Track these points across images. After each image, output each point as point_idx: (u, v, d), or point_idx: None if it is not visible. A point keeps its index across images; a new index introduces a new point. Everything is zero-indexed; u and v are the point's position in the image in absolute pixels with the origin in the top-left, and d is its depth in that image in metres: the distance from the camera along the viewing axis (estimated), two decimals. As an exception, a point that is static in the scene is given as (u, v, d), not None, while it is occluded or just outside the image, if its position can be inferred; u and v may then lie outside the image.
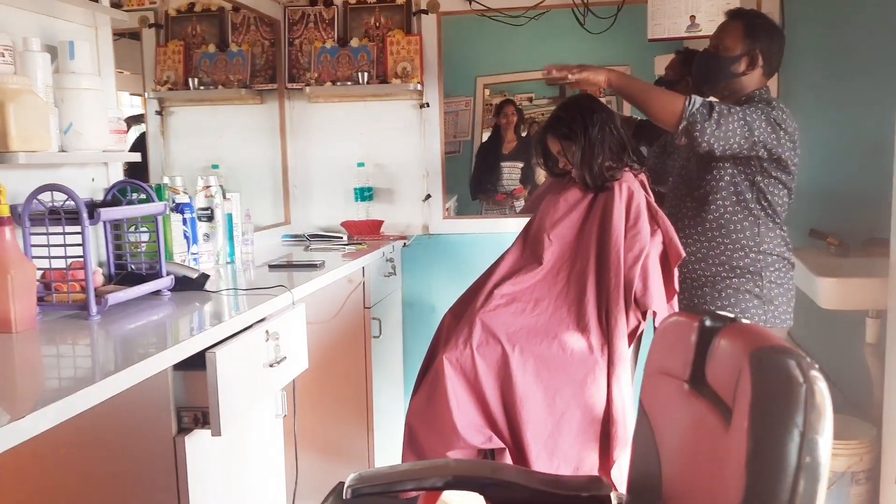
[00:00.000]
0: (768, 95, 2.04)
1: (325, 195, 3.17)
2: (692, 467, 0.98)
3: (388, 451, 2.72)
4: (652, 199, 1.94)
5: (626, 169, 1.95)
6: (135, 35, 2.83)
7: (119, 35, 2.38)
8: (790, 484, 0.74)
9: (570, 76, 1.96)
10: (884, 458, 2.23)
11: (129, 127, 1.92)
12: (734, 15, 2.07)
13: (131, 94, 2.80)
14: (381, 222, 3.08)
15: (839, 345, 2.61)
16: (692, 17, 2.55)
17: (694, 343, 1.00)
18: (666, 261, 1.91)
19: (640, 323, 1.86)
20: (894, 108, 2.15)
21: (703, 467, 0.93)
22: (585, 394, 1.78)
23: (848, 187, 2.66)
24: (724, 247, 2.03)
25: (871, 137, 2.60)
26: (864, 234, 2.59)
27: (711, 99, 1.97)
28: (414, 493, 1.66)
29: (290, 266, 2.31)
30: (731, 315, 0.99)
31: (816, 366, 0.80)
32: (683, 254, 1.91)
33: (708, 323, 0.99)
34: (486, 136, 4.60)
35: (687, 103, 1.89)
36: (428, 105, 3.06)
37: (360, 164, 3.10)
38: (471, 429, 1.80)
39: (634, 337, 1.87)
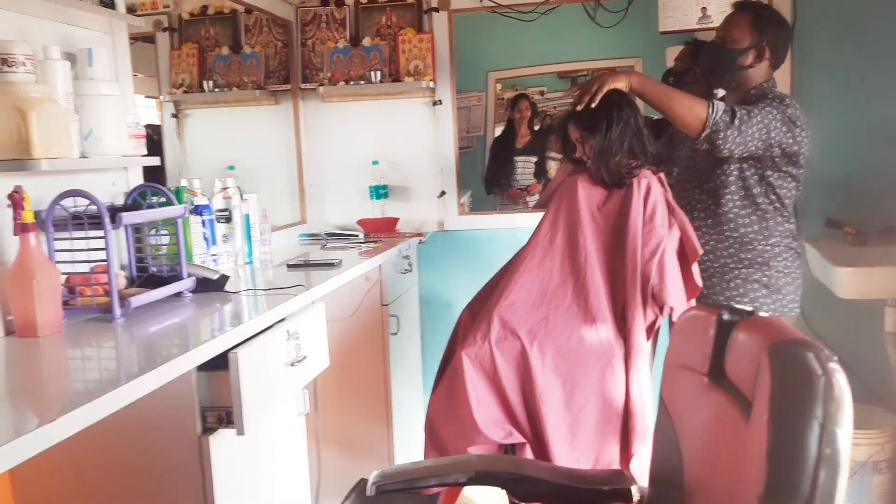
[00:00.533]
0: (776, 88, 2.04)
1: (341, 194, 3.19)
2: (713, 460, 0.99)
3: (408, 447, 2.74)
4: (670, 196, 1.94)
5: (645, 167, 1.94)
6: (149, 38, 2.86)
7: (133, 38, 2.42)
8: (811, 475, 0.75)
9: (595, 96, 1.91)
10: (905, 447, 2.22)
11: (148, 135, 1.94)
12: (742, 6, 2.05)
13: (146, 97, 2.83)
14: (396, 220, 3.10)
15: (858, 334, 2.60)
16: (703, 9, 2.55)
17: (712, 337, 1.01)
18: (683, 257, 1.91)
19: (657, 317, 1.86)
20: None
21: (724, 460, 0.94)
22: (604, 387, 1.79)
23: (864, 176, 2.64)
24: (733, 240, 2.05)
25: (887, 126, 2.58)
26: (881, 223, 2.57)
27: (716, 99, 1.96)
28: (436, 490, 1.67)
29: (307, 265, 2.33)
30: (749, 308, 1.00)
31: (835, 358, 0.81)
32: (700, 251, 1.91)
33: (726, 317, 1.00)
34: (498, 130, 4.60)
35: (710, 111, 1.88)
36: (441, 102, 3.07)
37: (375, 163, 3.12)
38: (491, 424, 1.81)
39: (652, 331, 1.87)
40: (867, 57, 2.64)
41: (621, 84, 1.92)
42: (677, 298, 1.84)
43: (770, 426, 0.78)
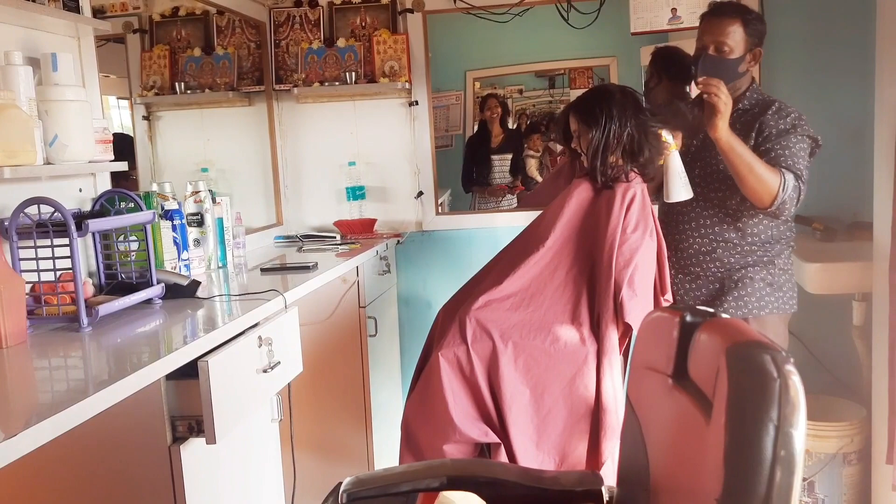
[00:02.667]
0: (760, 89, 2.07)
1: (317, 195, 3.17)
2: (677, 460, 1.00)
3: (387, 450, 2.74)
4: (651, 208, 1.95)
5: (635, 174, 1.94)
6: (120, 39, 2.83)
7: (104, 40, 2.39)
8: (767, 476, 0.76)
9: (713, 88, 1.85)
10: (874, 438, 2.26)
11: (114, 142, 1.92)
12: (727, 12, 2.01)
13: (118, 98, 2.80)
14: (374, 221, 3.09)
15: (828, 328, 2.64)
16: (673, 10, 2.57)
17: (676, 338, 1.02)
18: (658, 271, 1.93)
19: (627, 327, 1.87)
20: (873, 96, 2.17)
21: (687, 460, 0.95)
22: (574, 392, 1.80)
23: (831, 172, 2.68)
24: (743, 243, 2.05)
25: (853, 123, 2.62)
26: (848, 219, 2.62)
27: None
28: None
29: (282, 269, 2.32)
30: (711, 310, 1.01)
31: (791, 360, 0.82)
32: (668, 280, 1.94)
33: (688, 318, 1.01)
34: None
35: (781, 189, 1.86)
36: (417, 103, 3.06)
37: (352, 164, 3.11)
38: (468, 421, 1.82)
39: (625, 339, 1.89)
40: (833, 55, 2.68)
41: (719, 130, 1.85)
42: (637, 316, 1.81)
43: (727, 428, 0.79)
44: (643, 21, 2.60)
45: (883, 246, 2.07)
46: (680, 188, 1.99)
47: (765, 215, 1.98)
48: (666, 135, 1.97)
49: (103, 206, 1.79)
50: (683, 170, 1.99)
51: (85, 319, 1.52)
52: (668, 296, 1.95)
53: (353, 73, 2.99)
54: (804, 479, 2.36)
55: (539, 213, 2.10)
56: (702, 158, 2.09)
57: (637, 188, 1.92)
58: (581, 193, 1.95)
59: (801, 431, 0.77)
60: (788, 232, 2.09)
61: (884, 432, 2.07)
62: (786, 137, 1.94)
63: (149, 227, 1.79)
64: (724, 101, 1.83)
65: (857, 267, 2.29)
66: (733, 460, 0.78)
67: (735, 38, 1.97)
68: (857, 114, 2.57)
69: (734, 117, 1.97)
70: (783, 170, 1.89)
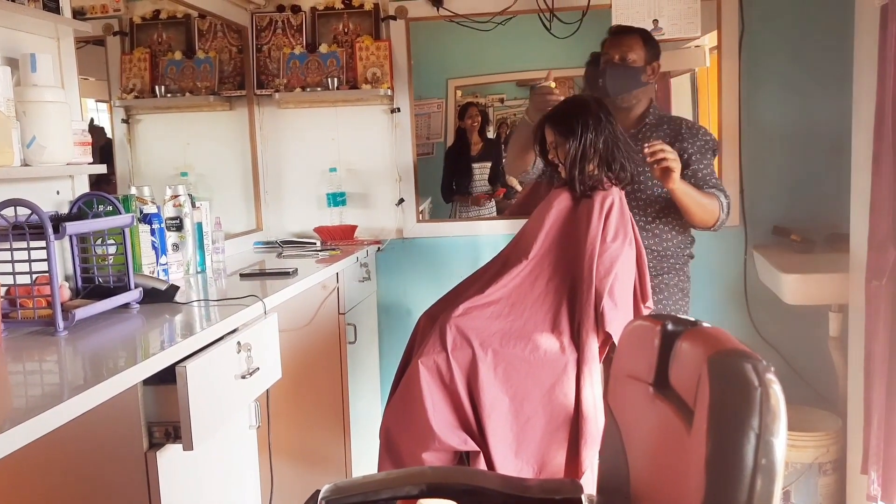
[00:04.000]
0: (657, 106, 2.30)
1: (298, 201, 3.16)
2: (657, 469, 1.00)
3: (366, 458, 2.72)
4: (630, 215, 1.97)
5: (612, 184, 1.96)
6: (100, 42, 2.80)
7: (84, 42, 2.36)
8: (748, 485, 0.77)
9: (661, 154, 1.97)
10: (849, 448, 2.29)
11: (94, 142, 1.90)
12: (626, 30, 2.30)
13: (97, 101, 2.77)
14: (354, 227, 3.08)
15: (805, 339, 2.68)
16: (655, 21, 2.59)
17: (657, 347, 1.02)
18: (638, 279, 1.94)
19: (607, 336, 1.88)
20: (850, 110, 2.21)
21: (668, 469, 0.95)
22: (553, 400, 1.80)
23: (810, 185, 2.72)
24: (661, 250, 2.21)
25: (831, 137, 2.66)
26: (826, 230, 2.66)
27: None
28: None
29: (262, 274, 2.30)
30: (692, 319, 1.02)
31: (772, 369, 0.82)
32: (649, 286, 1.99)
33: (670, 327, 1.01)
34: (459, 137, 4.62)
35: (722, 211, 2.11)
36: (399, 110, 3.07)
37: (333, 170, 3.10)
38: (447, 429, 1.81)
39: (605, 348, 1.90)
40: (813, 70, 2.73)
41: (671, 179, 1.98)
42: (618, 326, 1.82)
43: (708, 436, 0.80)
44: (625, 32, 2.62)
45: (860, 257, 2.10)
46: None
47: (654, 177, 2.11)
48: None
49: (81, 209, 1.77)
50: None
51: (61, 323, 1.49)
52: (650, 303, 1.96)
53: (336, 79, 2.98)
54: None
55: (521, 221, 2.10)
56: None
57: (615, 196, 1.93)
58: (560, 203, 1.96)
59: (781, 440, 0.78)
60: (692, 240, 2.28)
61: (859, 442, 2.09)
62: (703, 156, 2.18)
63: (127, 231, 1.77)
64: (674, 159, 1.96)
65: (834, 278, 2.32)
66: (714, 468, 0.79)
67: (637, 51, 2.24)
68: (835, 127, 2.61)
69: (644, 132, 2.23)
70: (716, 192, 2.12)
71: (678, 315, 1.03)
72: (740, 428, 0.78)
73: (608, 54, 2.25)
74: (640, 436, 1.08)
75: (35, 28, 1.80)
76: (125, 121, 2.84)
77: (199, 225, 2.29)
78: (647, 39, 2.26)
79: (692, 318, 1.02)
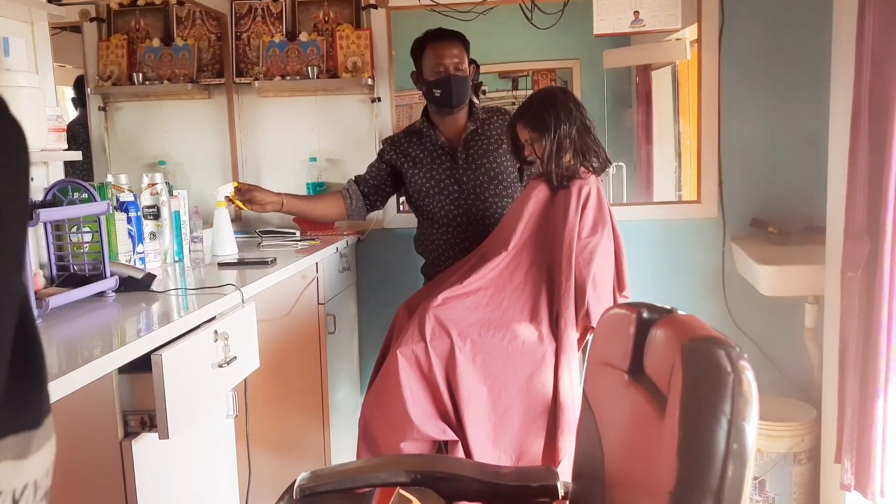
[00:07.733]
0: None
1: (277, 190, 3.12)
2: (632, 455, 1.01)
3: (345, 447, 2.72)
4: (608, 204, 1.98)
5: (588, 171, 1.96)
6: (76, 28, 2.76)
7: (60, 28, 2.32)
8: (719, 470, 0.78)
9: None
10: (824, 438, 2.32)
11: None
12: (447, 35, 2.38)
13: (74, 88, 2.73)
14: (334, 217, 3.06)
15: (781, 330, 2.70)
16: (636, 13, 2.60)
17: (632, 334, 1.03)
18: (616, 268, 1.95)
19: (587, 328, 1.89)
20: (828, 103, 2.23)
21: (641, 455, 0.96)
22: (531, 390, 1.81)
23: (787, 178, 2.74)
24: None
25: (808, 131, 2.69)
26: (802, 223, 2.69)
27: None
28: (368, 489, 1.66)
29: (240, 264, 2.29)
30: (668, 307, 1.02)
31: (745, 355, 0.83)
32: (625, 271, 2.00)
33: (645, 315, 1.02)
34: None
35: (347, 202, 2.46)
36: (379, 99, 3.05)
37: (313, 160, 3.07)
38: (426, 419, 1.82)
39: (584, 338, 1.91)
40: (790, 65, 2.75)
41: (271, 204, 2.43)
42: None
43: (681, 422, 0.81)
44: (606, 23, 2.63)
45: (835, 249, 2.12)
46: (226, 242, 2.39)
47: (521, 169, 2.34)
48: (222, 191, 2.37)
49: (56, 196, 1.74)
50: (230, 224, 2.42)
51: (35, 311, 1.47)
52: (627, 292, 1.98)
53: (316, 68, 2.96)
54: (755, 478, 2.41)
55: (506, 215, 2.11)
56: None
57: (592, 185, 1.94)
58: (539, 194, 1.97)
59: (753, 425, 0.79)
60: None
61: (833, 432, 2.12)
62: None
63: (103, 219, 1.74)
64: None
65: (809, 270, 2.35)
66: (686, 453, 0.79)
67: (463, 57, 2.35)
68: (812, 122, 2.64)
69: (484, 128, 2.41)
70: (347, 191, 2.51)
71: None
72: (712, 413, 0.79)
73: (442, 64, 2.32)
74: (614, 422, 1.08)
75: (8, 11, 1.77)
76: (102, 108, 2.80)
77: (177, 214, 2.26)
78: (463, 41, 2.38)
79: (668, 307, 1.03)
